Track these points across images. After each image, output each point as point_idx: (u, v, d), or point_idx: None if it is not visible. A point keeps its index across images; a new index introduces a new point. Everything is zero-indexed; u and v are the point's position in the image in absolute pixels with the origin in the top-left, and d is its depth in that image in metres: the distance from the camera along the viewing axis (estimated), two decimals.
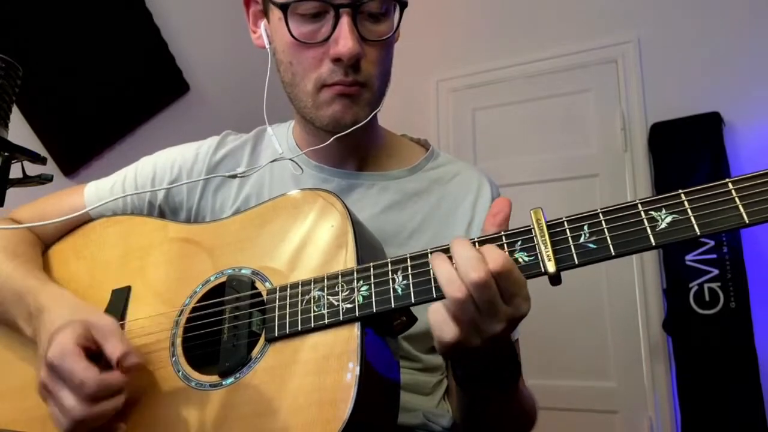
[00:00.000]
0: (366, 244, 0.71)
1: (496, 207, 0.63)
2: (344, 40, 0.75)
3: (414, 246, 0.86)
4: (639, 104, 2.59)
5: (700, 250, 2.28)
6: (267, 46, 0.86)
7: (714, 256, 2.26)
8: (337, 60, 0.77)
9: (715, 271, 2.25)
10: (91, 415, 0.64)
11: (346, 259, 0.68)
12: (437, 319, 0.59)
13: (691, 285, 2.28)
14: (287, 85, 0.84)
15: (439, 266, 0.59)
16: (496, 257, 0.57)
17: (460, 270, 0.57)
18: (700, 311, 2.25)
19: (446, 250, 0.62)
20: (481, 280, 0.56)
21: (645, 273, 2.46)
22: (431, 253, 0.63)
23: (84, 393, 0.63)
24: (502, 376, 0.68)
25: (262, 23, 0.86)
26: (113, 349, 0.66)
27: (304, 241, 0.72)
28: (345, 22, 0.75)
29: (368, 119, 0.81)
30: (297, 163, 0.84)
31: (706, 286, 2.25)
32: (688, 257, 2.30)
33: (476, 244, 0.61)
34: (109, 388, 0.64)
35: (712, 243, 2.25)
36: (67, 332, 0.67)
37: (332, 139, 0.81)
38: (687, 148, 2.40)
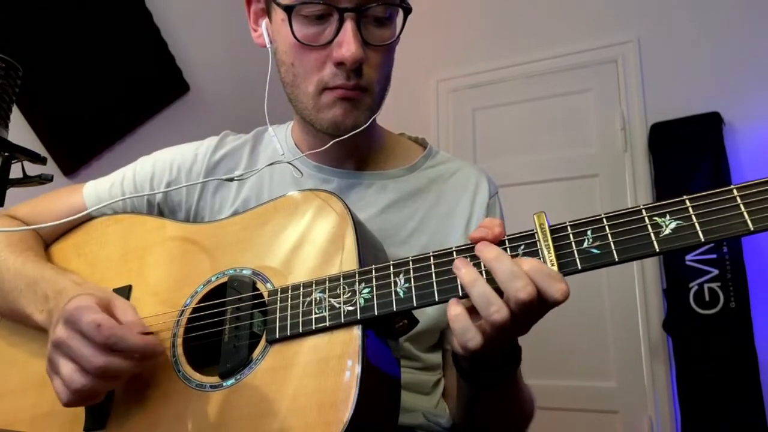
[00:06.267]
0: (367, 245, 0.71)
1: (488, 225, 0.62)
2: (348, 45, 0.75)
3: (414, 244, 0.86)
4: (639, 104, 2.59)
5: (701, 250, 2.28)
6: (268, 46, 0.85)
7: (714, 256, 2.26)
8: (339, 64, 0.77)
9: (715, 271, 2.25)
10: (107, 364, 0.63)
11: (347, 260, 0.68)
12: (461, 326, 0.58)
13: (691, 285, 2.28)
14: (288, 86, 0.84)
15: (473, 285, 0.57)
16: (529, 268, 0.55)
17: (504, 286, 0.55)
18: (700, 311, 2.25)
19: (449, 253, 0.62)
20: (530, 298, 0.54)
21: (645, 273, 2.46)
22: (433, 256, 0.62)
23: (102, 336, 0.63)
24: (505, 364, 0.68)
25: (264, 22, 0.85)
26: (136, 322, 0.68)
27: (305, 241, 0.72)
28: (349, 26, 0.75)
29: (367, 124, 0.81)
30: (297, 168, 0.84)
31: (706, 286, 2.26)
32: (688, 257, 2.30)
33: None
34: (126, 338, 0.64)
35: (712, 243, 2.25)
36: (86, 296, 0.68)
37: (332, 142, 0.81)
38: (687, 148, 2.40)
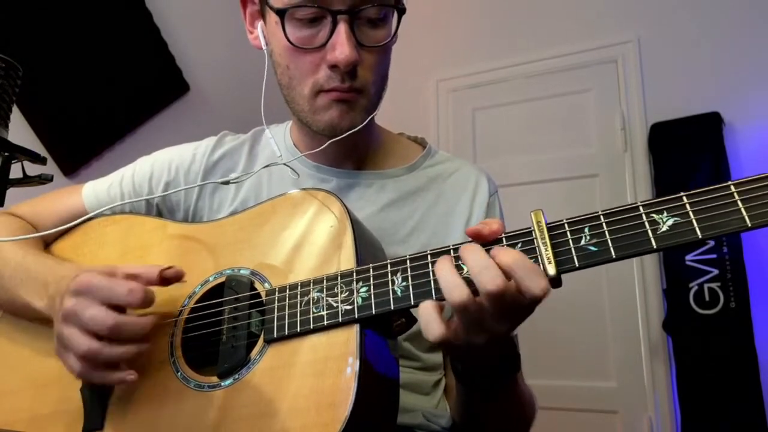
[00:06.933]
0: (365, 244, 0.71)
1: (486, 221, 0.62)
2: (341, 47, 0.75)
3: (413, 244, 0.86)
4: (639, 104, 2.59)
5: (700, 250, 2.28)
6: (263, 48, 0.85)
7: (714, 256, 2.26)
8: (333, 66, 0.77)
9: (715, 271, 2.25)
10: (124, 323, 0.65)
11: (345, 259, 0.68)
12: (426, 317, 0.59)
13: (691, 285, 2.28)
14: (284, 88, 0.84)
15: (441, 270, 0.58)
16: (510, 260, 0.55)
17: (475, 278, 0.55)
18: (700, 311, 2.25)
19: (447, 252, 0.62)
20: (499, 290, 0.54)
21: (645, 273, 2.45)
22: (430, 255, 0.63)
23: (118, 296, 0.64)
24: (502, 369, 0.68)
25: (259, 24, 0.85)
26: (150, 268, 0.69)
27: (303, 241, 0.72)
28: (342, 28, 0.75)
29: (364, 124, 0.81)
30: (293, 169, 0.84)
31: (706, 286, 2.25)
32: (688, 257, 2.30)
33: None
34: (143, 297, 0.66)
35: (712, 243, 2.25)
36: (90, 271, 0.69)
37: (329, 142, 0.81)
38: (687, 148, 2.40)
